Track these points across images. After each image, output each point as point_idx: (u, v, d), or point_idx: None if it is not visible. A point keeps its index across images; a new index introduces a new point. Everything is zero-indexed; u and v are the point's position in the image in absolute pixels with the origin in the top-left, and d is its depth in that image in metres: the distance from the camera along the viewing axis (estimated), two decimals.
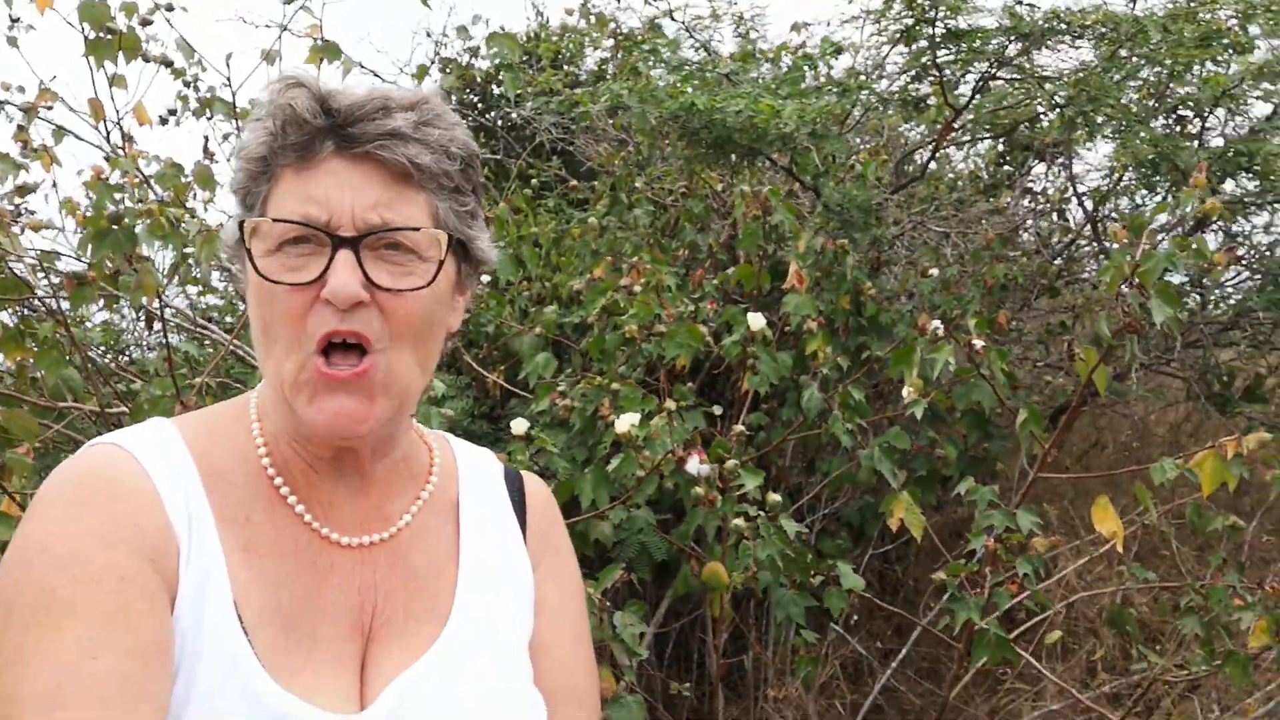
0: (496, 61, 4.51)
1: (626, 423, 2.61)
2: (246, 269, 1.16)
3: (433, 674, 1.19)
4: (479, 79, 6.54)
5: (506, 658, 1.27)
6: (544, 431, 3.02)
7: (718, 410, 3.02)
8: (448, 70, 4.67)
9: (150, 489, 1.12)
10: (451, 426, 3.33)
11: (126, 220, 2.05)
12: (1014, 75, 3.76)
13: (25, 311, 2.97)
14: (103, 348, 3.46)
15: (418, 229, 1.15)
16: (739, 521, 2.54)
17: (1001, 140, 4.51)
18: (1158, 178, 3.68)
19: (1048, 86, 3.83)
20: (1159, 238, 2.47)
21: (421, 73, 3.61)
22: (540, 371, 3.37)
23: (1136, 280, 2.24)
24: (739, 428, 2.70)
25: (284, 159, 1.14)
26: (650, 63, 3.67)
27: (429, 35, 7.54)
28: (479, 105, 6.72)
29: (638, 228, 3.95)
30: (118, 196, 2.23)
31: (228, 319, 4.53)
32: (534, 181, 4.77)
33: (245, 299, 1.22)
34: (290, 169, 1.14)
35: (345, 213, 1.12)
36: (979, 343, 2.59)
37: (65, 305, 2.46)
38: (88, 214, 2.26)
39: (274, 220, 1.12)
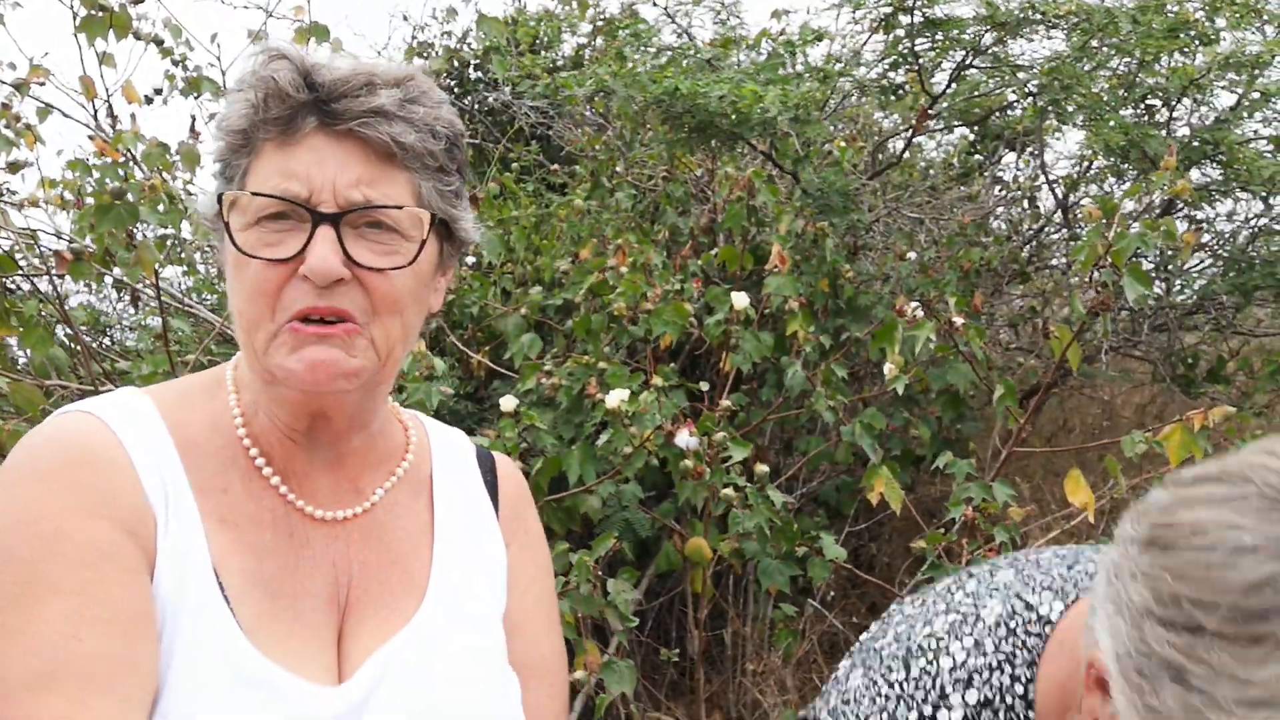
0: (485, 44, 4.52)
1: (616, 398, 2.66)
2: (224, 242, 1.16)
3: (410, 648, 1.20)
4: (456, 62, 6.55)
5: (482, 633, 1.28)
6: (530, 410, 3.08)
7: (705, 386, 3.09)
8: (425, 55, 4.67)
9: (125, 459, 1.11)
10: (439, 404, 3.38)
11: (130, 195, 2.08)
12: (988, 64, 3.85)
13: (9, 290, 2.98)
14: (85, 327, 3.46)
15: (400, 207, 1.14)
16: (728, 491, 2.60)
17: (974, 128, 4.61)
18: (1127, 165, 3.78)
19: (1021, 75, 3.92)
20: (1129, 221, 2.56)
21: (409, 55, 3.63)
22: (526, 352, 3.41)
23: (1109, 260, 2.33)
24: (726, 402, 2.77)
25: (265, 132, 1.13)
26: (634, 47, 3.72)
27: (405, 19, 7.52)
28: (455, 89, 6.73)
29: (619, 211, 4.00)
30: (121, 173, 2.25)
31: (207, 298, 4.54)
32: (514, 165, 4.80)
33: (224, 273, 1.22)
34: (271, 143, 1.13)
35: (326, 189, 1.11)
36: (959, 320, 2.67)
37: (53, 284, 2.48)
38: (83, 190, 2.28)
39: (253, 194, 1.12)
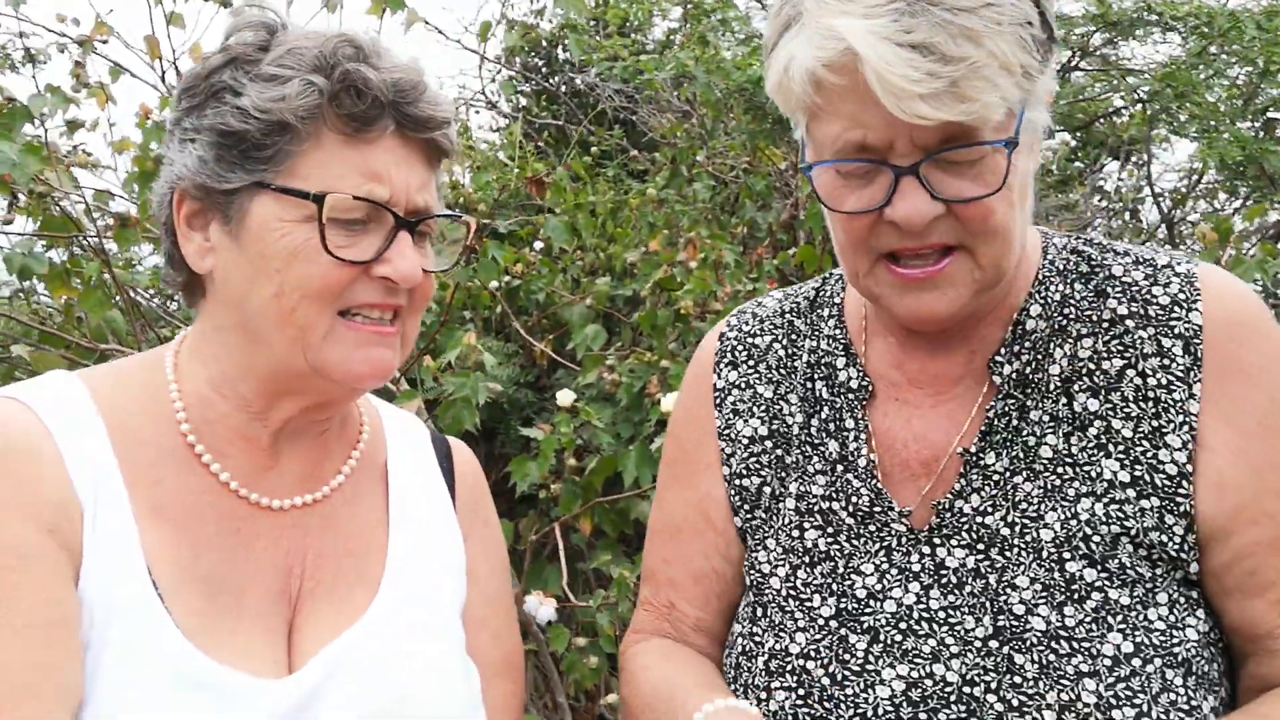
0: (562, 22, 4.42)
1: (672, 402, 2.54)
2: (278, 233, 1.12)
3: (366, 641, 1.16)
4: (544, 41, 6.46)
5: (439, 625, 1.27)
6: (589, 405, 2.97)
7: None
8: (513, 28, 4.60)
9: (52, 449, 1.09)
10: (497, 395, 3.29)
11: None
12: (1096, 66, 3.62)
13: (75, 251, 2.96)
14: (151, 291, 3.45)
15: (458, 215, 1.23)
16: None
17: (1077, 134, 4.37)
18: (1241, 182, 3.53)
19: (1131, 80, 3.68)
20: (1244, 243, 2.35)
21: (484, 30, 3.54)
22: (589, 343, 3.31)
23: None
24: None
25: (333, 125, 1.12)
26: (719, 33, 3.57)
27: None
28: (543, 69, 6.65)
29: (696, 202, 3.87)
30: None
31: None
32: (594, 150, 4.69)
33: (184, 255, 1.18)
34: (340, 138, 1.13)
35: (401, 193, 1.14)
36: None
37: (103, 246, 2.43)
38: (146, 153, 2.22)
39: (355, 199, 1.11)
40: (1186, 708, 1.11)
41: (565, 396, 2.79)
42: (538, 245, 3.66)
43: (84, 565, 1.05)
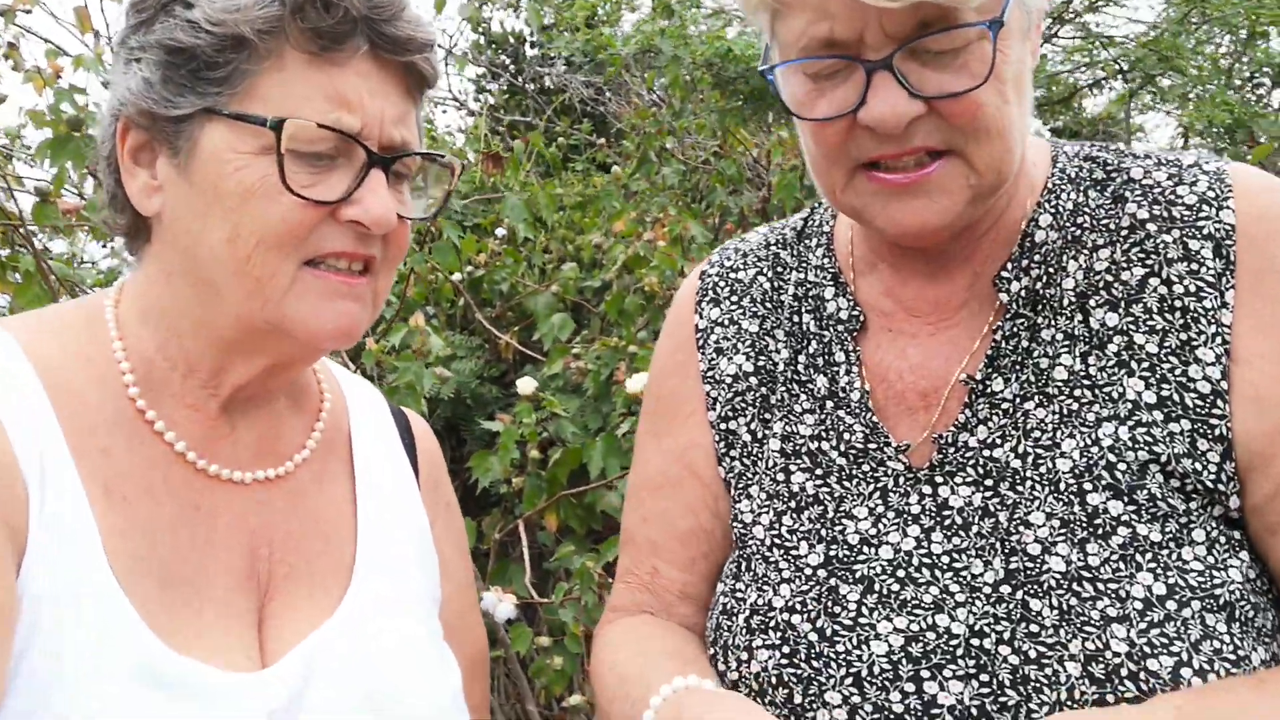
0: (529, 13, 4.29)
1: (639, 382, 2.40)
2: (232, 166, 0.98)
3: (342, 636, 1.07)
4: (512, 39, 6.33)
5: (418, 613, 1.16)
6: (556, 396, 2.83)
7: None
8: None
9: None
10: (457, 389, 3.13)
11: (88, 126, 1.84)
12: (1077, 34, 3.50)
13: (16, 244, 2.78)
14: (97, 289, 3.26)
15: (442, 156, 1.10)
16: None
17: (1056, 117, 4.25)
18: (1226, 147, 3.40)
19: (1111, 51, 3.56)
20: None
21: (439, 5, 3.40)
22: (556, 333, 3.15)
23: None
24: None
25: (298, 43, 0.98)
26: (686, 4, 3.44)
27: None
28: (510, 67, 6.52)
29: (666, 188, 3.73)
30: (80, 100, 2.01)
31: None
32: (559, 140, 4.54)
33: (129, 194, 1.04)
34: (304, 57, 0.98)
35: (374, 124, 1.01)
36: None
37: (26, 232, 2.26)
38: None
39: (319, 126, 0.97)
40: (1233, 657, 0.95)
41: (526, 384, 2.64)
42: (500, 233, 3.50)
43: (30, 553, 0.91)
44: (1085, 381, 1.06)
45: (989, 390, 1.10)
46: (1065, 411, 1.06)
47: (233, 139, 0.98)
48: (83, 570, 0.93)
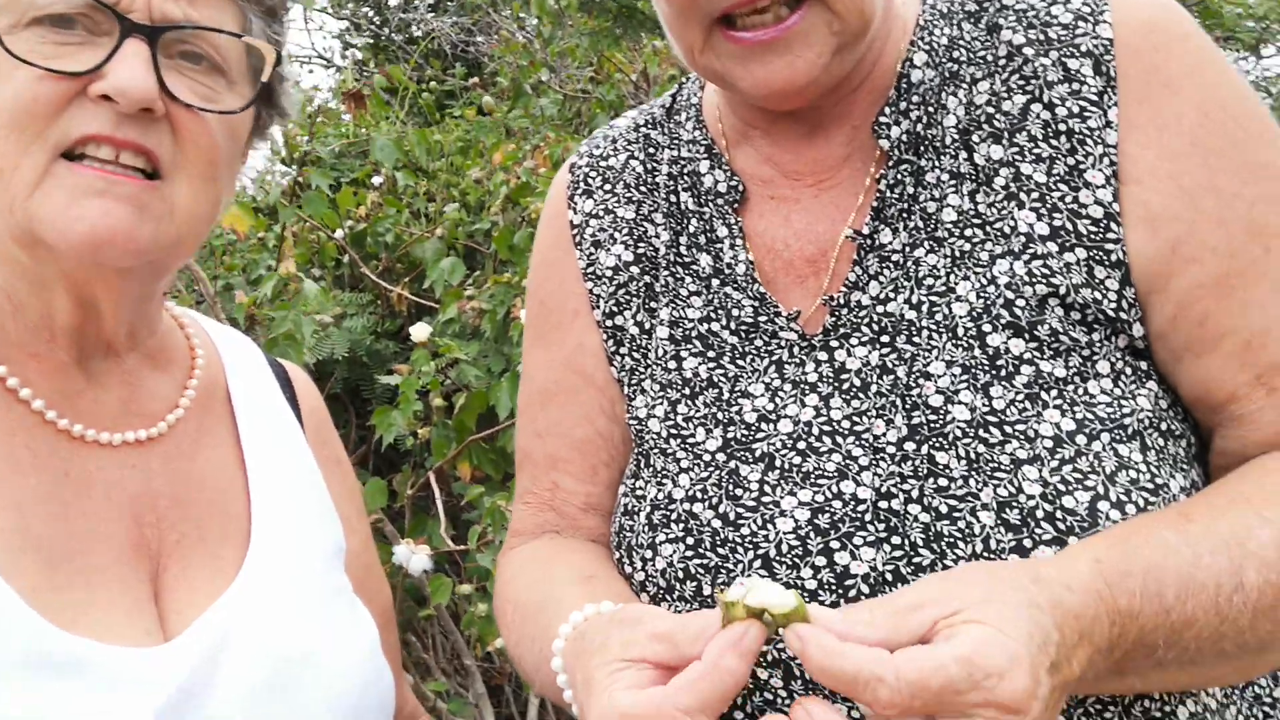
0: None
1: None
2: None
3: (248, 599, 1.00)
4: None
5: (322, 571, 1.10)
6: (455, 342, 2.72)
7: None
8: None
9: None
10: (353, 348, 2.99)
11: None
12: None
13: None
14: None
15: (240, 35, 0.95)
16: None
17: None
18: None
19: None
20: None
21: None
22: (446, 278, 3.03)
23: None
24: None
25: None
26: None
27: None
28: (374, 19, 6.27)
29: (545, 119, 3.60)
30: None
31: None
32: (432, 85, 4.37)
33: None
34: None
35: None
36: None
37: None
38: None
39: None
40: (1150, 486, 0.91)
41: (420, 331, 2.53)
42: (377, 181, 3.35)
43: None
44: (975, 220, 1.01)
45: (878, 244, 1.04)
46: (957, 254, 1.01)
47: None
48: None
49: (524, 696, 2.84)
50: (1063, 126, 0.99)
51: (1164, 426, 0.95)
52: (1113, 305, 0.96)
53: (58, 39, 0.87)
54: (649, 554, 1.04)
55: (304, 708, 0.99)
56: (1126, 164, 0.97)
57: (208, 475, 1.07)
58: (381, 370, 3.23)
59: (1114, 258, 0.96)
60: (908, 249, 1.03)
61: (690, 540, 1.01)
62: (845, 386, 1.01)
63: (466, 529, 2.79)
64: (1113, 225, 0.96)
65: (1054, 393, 0.93)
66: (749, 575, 0.97)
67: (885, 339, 1.01)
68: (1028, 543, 0.89)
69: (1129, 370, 0.96)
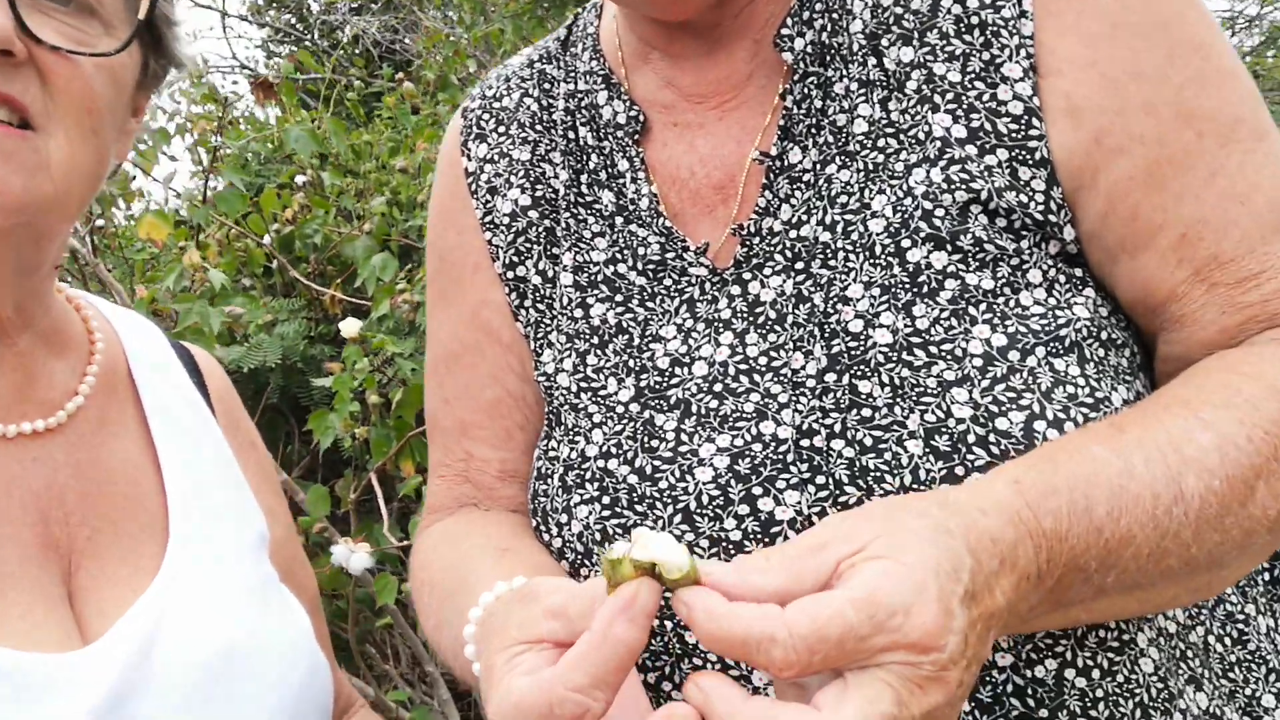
0: None
1: None
2: None
3: (172, 595, 0.96)
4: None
5: (247, 560, 1.06)
6: (390, 338, 2.63)
7: None
8: None
9: None
10: (284, 355, 2.89)
11: None
12: None
13: None
14: None
15: None
16: None
17: None
18: None
19: None
20: None
21: None
22: (378, 274, 2.93)
23: None
24: None
25: None
26: None
27: None
28: (298, 27, 6.15)
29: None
30: None
31: None
32: (358, 83, 4.27)
33: None
34: None
35: None
36: None
37: None
38: None
39: None
40: (1090, 400, 0.83)
41: (349, 326, 2.45)
42: (300, 180, 3.25)
43: None
44: (889, 129, 0.93)
45: (787, 164, 0.97)
46: (871, 167, 0.93)
47: None
48: None
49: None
50: (975, 20, 0.91)
51: (1104, 336, 0.88)
52: (1040, 208, 0.89)
53: None
54: (564, 518, 0.97)
55: (244, 701, 0.95)
56: (1044, 54, 0.89)
57: (116, 466, 1.02)
58: (317, 375, 3.14)
59: (1038, 156, 0.89)
60: (818, 167, 0.95)
61: (606, 500, 0.94)
62: (761, 320, 0.94)
63: (415, 529, 2.70)
64: (1034, 121, 0.89)
65: (982, 307, 0.86)
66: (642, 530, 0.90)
67: (800, 265, 0.94)
68: (959, 470, 0.82)
69: (1063, 278, 0.89)
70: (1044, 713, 0.85)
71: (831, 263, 0.93)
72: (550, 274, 1.08)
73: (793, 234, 0.95)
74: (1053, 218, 0.90)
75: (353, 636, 2.70)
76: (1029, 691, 0.85)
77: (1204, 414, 0.79)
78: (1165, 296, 0.89)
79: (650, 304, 1.01)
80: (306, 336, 3.06)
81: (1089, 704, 0.85)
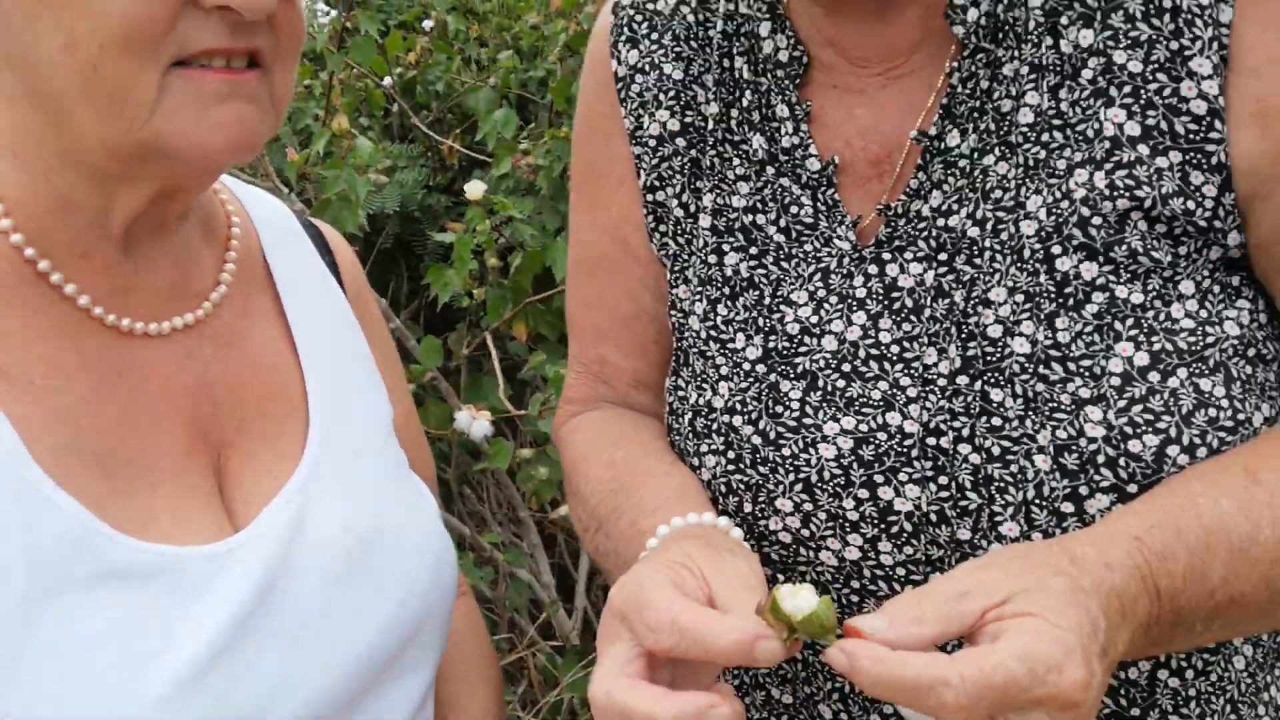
0: None
1: None
2: None
3: (316, 480, 0.98)
4: None
5: (380, 445, 1.08)
6: (509, 199, 2.65)
7: None
8: None
9: None
10: (403, 202, 2.94)
11: None
12: None
13: None
14: None
15: None
16: None
17: None
18: None
19: None
20: None
21: None
22: (500, 130, 2.94)
23: None
24: None
25: None
26: None
27: None
28: None
29: None
30: None
31: None
32: None
33: None
34: None
35: None
36: None
37: None
38: None
39: None
40: (1230, 423, 0.84)
41: (474, 188, 2.47)
42: (428, 25, 3.22)
43: None
44: (1055, 122, 0.91)
45: (944, 147, 0.95)
46: (1031, 162, 0.91)
47: None
48: (6, 475, 0.81)
49: (575, 547, 2.90)
50: (1168, 3, 0.86)
51: (1252, 352, 0.88)
52: (1207, 215, 0.87)
53: None
54: (695, 461, 1.01)
55: (379, 587, 0.98)
56: (1241, 50, 0.85)
57: (257, 354, 1.03)
58: (433, 225, 3.19)
59: (1214, 160, 0.86)
60: (976, 155, 0.93)
61: (731, 454, 0.98)
62: (896, 306, 0.94)
63: (521, 388, 2.79)
64: (1216, 124, 0.86)
65: (1129, 322, 0.86)
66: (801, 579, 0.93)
67: (943, 257, 0.93)
68: (1083, 489, 0.84)
69: (1217, 288, 0.88)
70: (1135, 711, 0.90)
71: (976, 260, 0.92)
72: (692, 209, 1.07)
73: (940, 222, 0.94)
74: (1218, 224, 0.87)
75: (453, 478, 2.85)
76: (1121, 692, 0.90)
77: None
78: None
79: (785, 264, 1.01)
80: (424, 186, 3.11)
81: (1181, 702, 0.90)
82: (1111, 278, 0.87)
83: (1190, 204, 0.87)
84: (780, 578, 0.99)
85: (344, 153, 2.15)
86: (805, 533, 0.95)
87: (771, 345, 0.99)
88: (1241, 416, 0.85)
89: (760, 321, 1.00)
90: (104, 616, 0.81)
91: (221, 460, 0.97)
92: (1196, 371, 0.85)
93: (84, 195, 0.89)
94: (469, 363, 2.75)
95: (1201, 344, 0.86)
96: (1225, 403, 0.84)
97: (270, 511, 0.94)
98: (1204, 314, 0.87)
